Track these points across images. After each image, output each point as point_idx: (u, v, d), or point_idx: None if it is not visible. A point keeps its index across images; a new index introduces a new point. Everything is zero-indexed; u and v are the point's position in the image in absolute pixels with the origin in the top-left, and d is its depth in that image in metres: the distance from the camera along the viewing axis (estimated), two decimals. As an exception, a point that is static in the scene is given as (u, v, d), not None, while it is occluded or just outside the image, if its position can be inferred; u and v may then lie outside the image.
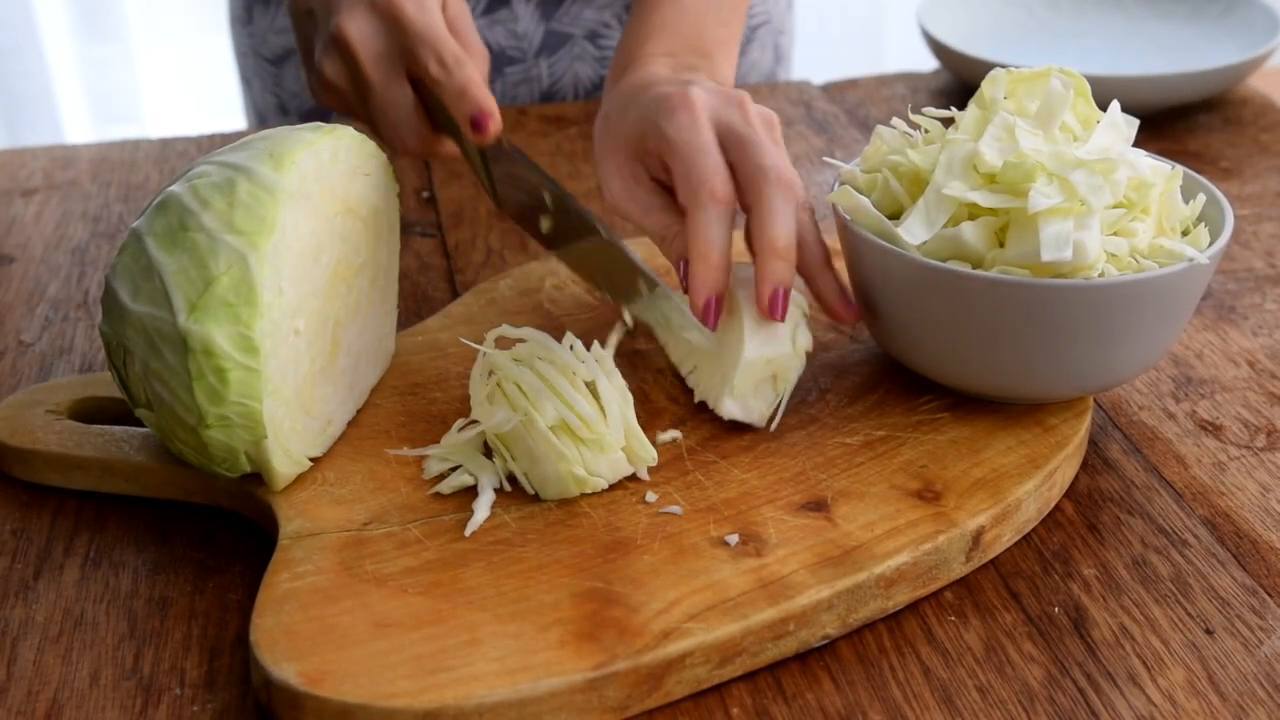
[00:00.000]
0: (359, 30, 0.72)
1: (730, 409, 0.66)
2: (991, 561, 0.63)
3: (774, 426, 0.67)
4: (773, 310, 0.66)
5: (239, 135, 1.08)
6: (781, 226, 0.66)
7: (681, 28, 0.80)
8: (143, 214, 0.62)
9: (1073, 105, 0.66)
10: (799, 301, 0.68)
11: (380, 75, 0.72)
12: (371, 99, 0.72)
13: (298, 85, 1.15)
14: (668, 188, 0.71)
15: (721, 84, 0.78)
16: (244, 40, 1.17)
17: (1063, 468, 0.65)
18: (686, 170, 0.68)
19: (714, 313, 0.67)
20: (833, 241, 0.84)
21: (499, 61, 1.13)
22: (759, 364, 0.66)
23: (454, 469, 0.64)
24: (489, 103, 0.70)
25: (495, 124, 0.70)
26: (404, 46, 0.71)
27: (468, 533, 0.60)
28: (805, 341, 0.68)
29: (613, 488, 0.63)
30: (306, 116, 1.15)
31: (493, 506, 0.62)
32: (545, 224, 0.70)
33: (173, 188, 0.62)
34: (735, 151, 0.68)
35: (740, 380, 0.65)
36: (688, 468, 0.64)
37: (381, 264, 0.71)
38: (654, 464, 0.64)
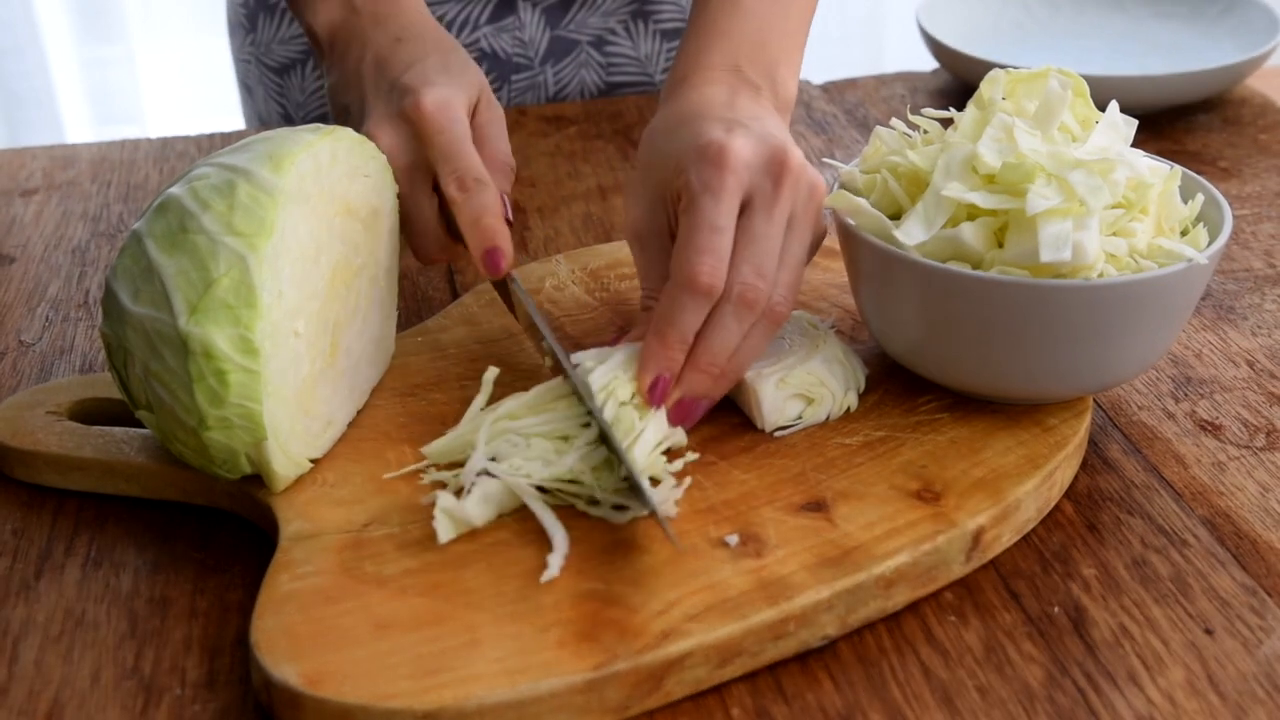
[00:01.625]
0: (388, 141, 0.71)
1: (769, 419, 0.66)
2: (991, 561, 0.63)
3: (777, 435, 0.67)
4: (651, 394, 0.63)
5: (239, 136, 1.08)
6: (714, 342, 0.64)
7: (745, 38, 0.76)
8: (143, 216, 0.62)
9: (1071, 106, 0.66)
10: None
11: (406, 185, 0.72)
12: (399, 205, 0.72)
13: (303, 95, 1.15)
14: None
15: (785, 106, 0.76)
16: (246, 48, 1.17)
17: (1062, 468, 0.65)
18: (688, 239, 0.64)
19: (658, 394, 0.63)
20: (832, 241, 0.84)
21: (504, 69, 1.13)
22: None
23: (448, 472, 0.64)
24: (500, 239, 0.70)
25: (506, 260, 0.70)
26: (429, 160, 0.71)
27: (480, 522, 0.60)
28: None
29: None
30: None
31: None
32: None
33: (172, 189, 0.62)
34: (738, 238, 0.65)
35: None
36: (688, 468, 0.64)
37: (381, 265, 0.71)
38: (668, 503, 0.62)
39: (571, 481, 0.61)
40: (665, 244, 0.68)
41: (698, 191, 0.65)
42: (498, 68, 1.13)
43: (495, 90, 1.14)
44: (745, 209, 0.65)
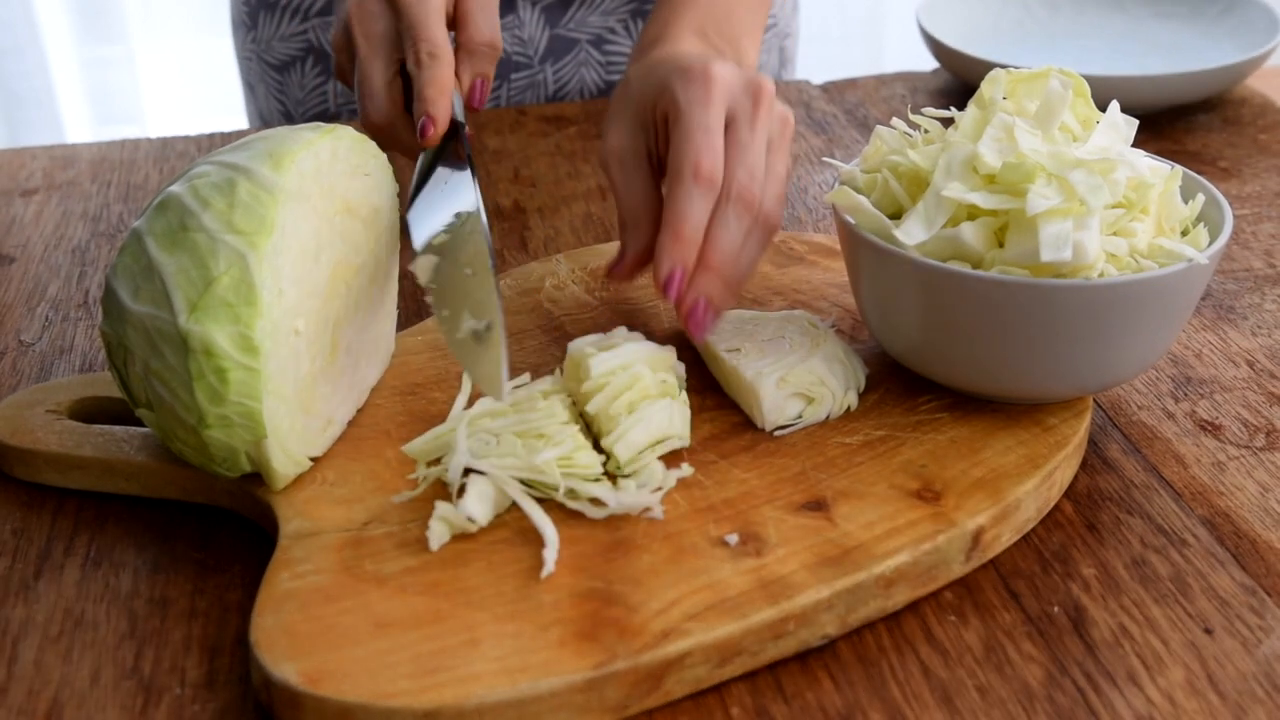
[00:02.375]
0: (361, 8, 0.76)
1: (770, 418, 0.67)
2: (991, 561, 0.63)
3: (778, 434, 0.67)
4: (666, 288, 0.66)
5: (239, 135, 1.08)
6: (720, 239, 0.67)
7: (713, 8, 0.82)
8: (143, 214, 0.62)
9: (1072, 105, 0.66)
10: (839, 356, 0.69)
11: (366, 48, 0.75)
12: (356, 68, 0.76)
13: (303, 92, 1.15)
14: (660, 168, 0.71)
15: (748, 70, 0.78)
16: (248, 45, 1.17)
17: (1062, 468, 0.65)
18: (684, 141, 0.67)
19: (675, 286, 0.66)
20: (833, 241, 0.84)
21: (504, 68, 1.13)
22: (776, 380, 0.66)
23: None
24: (436, 109, 0.72)
25: (434, 133, 0.72)
26: (399, 32, 0.74)
27: (483, 521, 0.60)
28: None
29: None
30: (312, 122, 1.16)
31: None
32: (426, 262, 0.65)
33: (173, 188, 0.62)
34: (727, 147, 0.68)
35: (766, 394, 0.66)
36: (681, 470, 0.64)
37: (381, 264, 0.71)
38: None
39: (542, 475, 0.61)
40: (644, 165, 0.71)
41: (685, 105, 0.68)
42: (497, 66, 1.13)
43: (495, 89, 1.14)
44: (729, 124, 0.69)
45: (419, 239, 0.66)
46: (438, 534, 0.59)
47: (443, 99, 0.72)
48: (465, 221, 0.67)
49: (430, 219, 0.68)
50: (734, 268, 0.67)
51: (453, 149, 0.73)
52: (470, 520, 0.60)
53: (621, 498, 0.61)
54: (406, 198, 0.69)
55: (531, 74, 1.14)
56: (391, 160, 0.71)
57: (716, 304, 0.67)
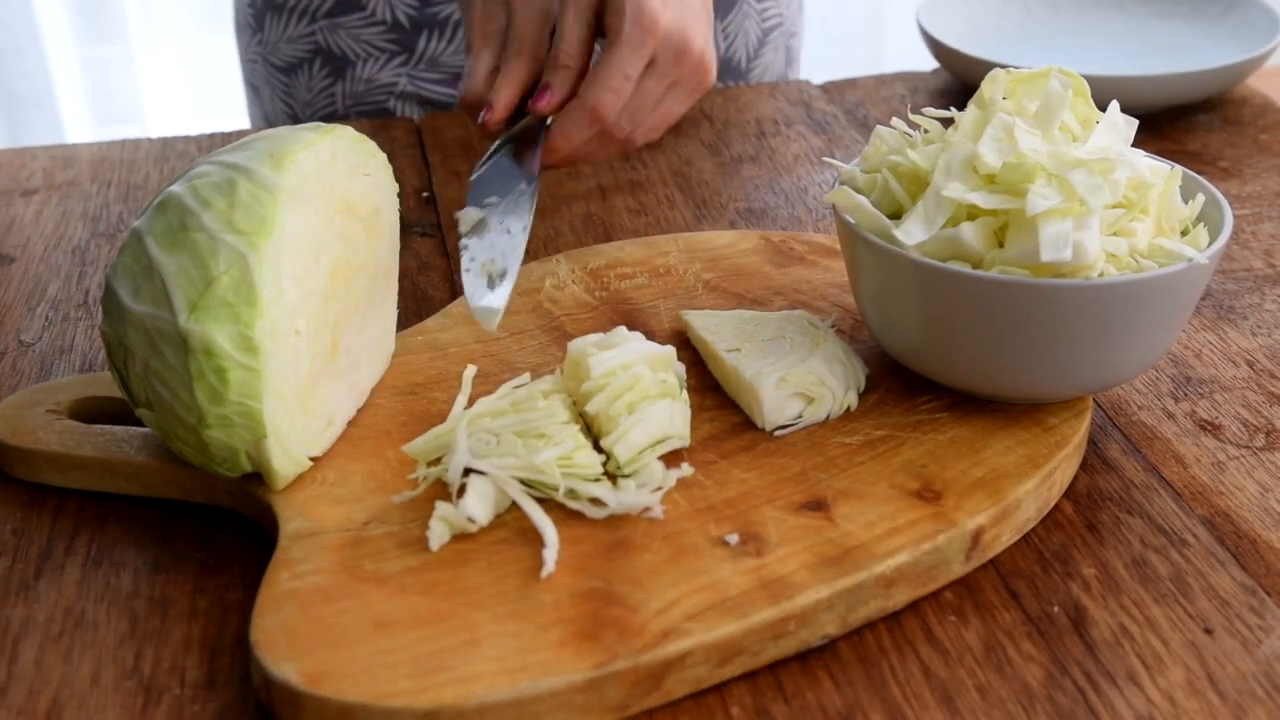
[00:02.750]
0: (486, 6, 0.82)
1: (770, 418, 0.67)
2: (991, 561, 0.63)
3: (778, 434, 0.67)
4: (537, 98, 0.79)
5: (239, 135, 1.08)
6: (613, 71, 0.78)
7: None
8: (143, 214, 0.62)
9: (1072, 105, 0.66)
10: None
11: (480, 41, 0.82)
12: (469, 54, 0.83)
13: (310, 94, 1.15)
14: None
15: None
16: (253, 48, 1.17)
17: (1062, 467, 0.65)
18: (602, 72, 0.78)
19: (546, 98, 0.79)
20: (833, 241, 0.84)
21: None
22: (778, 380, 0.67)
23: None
24: (498, 97, 0.79)
25: (489, 118, 0.80)
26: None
27: (483, 521, 0.60)
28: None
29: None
30: None
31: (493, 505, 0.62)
32: (473, 214, 0.74)
33: (173, 188, 0.62)
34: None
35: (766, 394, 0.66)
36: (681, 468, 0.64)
37: (381, 264, 0.71)
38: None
39: (542, 475, 0.61)
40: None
41: (623, 39, 0.78)
42: None
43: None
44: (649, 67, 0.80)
45: (474, 196, 0.75)
46: (438, 534, 0.59)
47: (507, 90, 0.80)
48: (518, 195, 0.75)
49: (489, 183, 0.77)
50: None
51: (532, 136, 0.80)
52: (470, 520, 0.60)
53: (621, 497, 0.61)
54: (471, 175, 0.78)
55: None
56: (391, 161, 0.71)
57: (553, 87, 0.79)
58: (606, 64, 0.79)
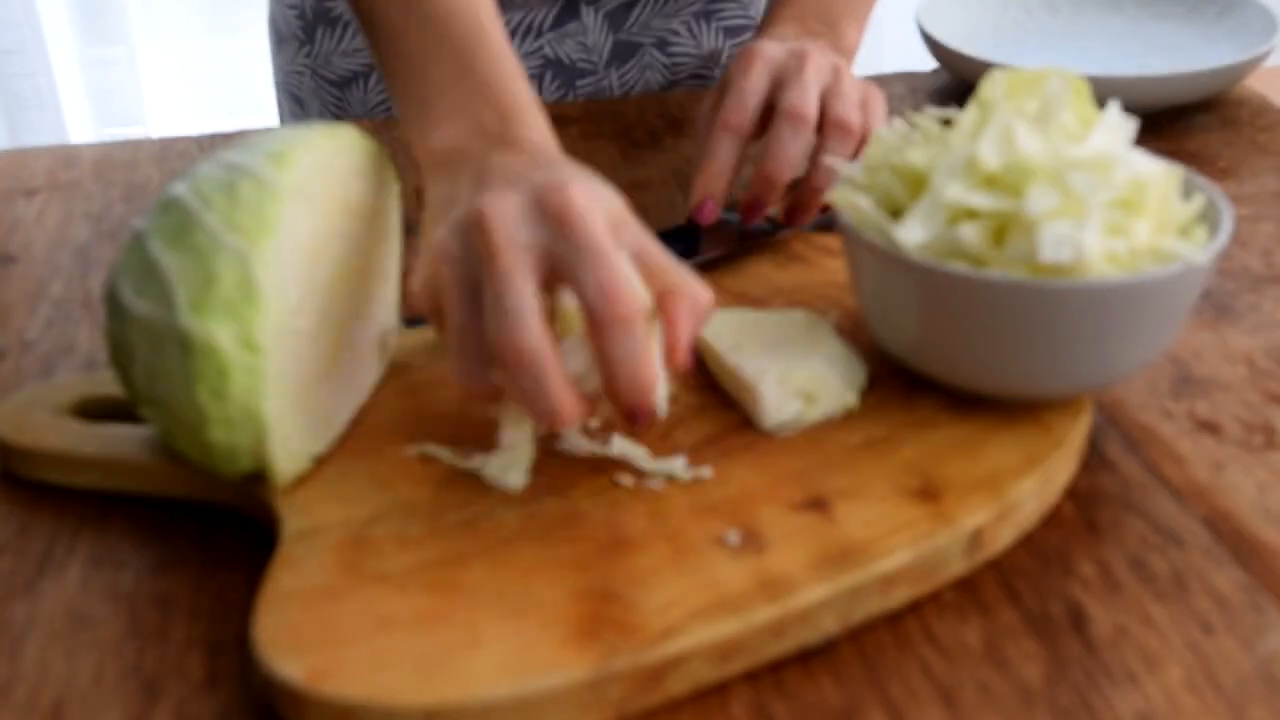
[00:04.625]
0: (509, 209, 0.58)
1: (770, 416, 0.67)
2: (991, 560, 0.63)
3: (778, 433, 0.67)
4: (697, 212, 0.81)
5: (240, 135, 1.09)
6: (779, 157, 0.80)
7: (814, 2, 0.93)
8: (145, 214, 0.62)
9: (1072, 105, 0.67)
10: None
11: (509, 260, 0.57)
12: (489, 288, 0.57)
13: (365, 109, 1.14)
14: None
15: (845, 52, 0.91)
16: (300, 60, 1.15)
17: (1062, 467, 0.65)
18: (722, 103, 0.82)
19: (707, 213, 0.81)
20: (833, 241, 0.85)
21: (570, 74, 1.14)
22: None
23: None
24: (651, 394, 0.57)
25: (650, 416, 0.59)
26: (557, 253, 0.57)
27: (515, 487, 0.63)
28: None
29: (614, 486, 0.63)
30: None
31: (493, 505, 0.62)
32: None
33: (175, 188, 0.62)
34: (775, 93, 0.81)
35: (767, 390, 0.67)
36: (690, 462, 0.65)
37: (383, 263, 0.71)
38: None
39: None
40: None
41: (730, 74, 0.83)
42: (562, 74, 1.13)
43: (560, 97, 1.15)
44: (773, 81, 0.82)
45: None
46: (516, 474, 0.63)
47: (650, 373, 0.58)
48: None
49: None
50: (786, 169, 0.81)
51: None
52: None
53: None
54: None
55: (597, 80, 1.15)
56: (393, 160, 0.71)
57: (760, 201, 0.82)
58: (722, 95, 0.84)
